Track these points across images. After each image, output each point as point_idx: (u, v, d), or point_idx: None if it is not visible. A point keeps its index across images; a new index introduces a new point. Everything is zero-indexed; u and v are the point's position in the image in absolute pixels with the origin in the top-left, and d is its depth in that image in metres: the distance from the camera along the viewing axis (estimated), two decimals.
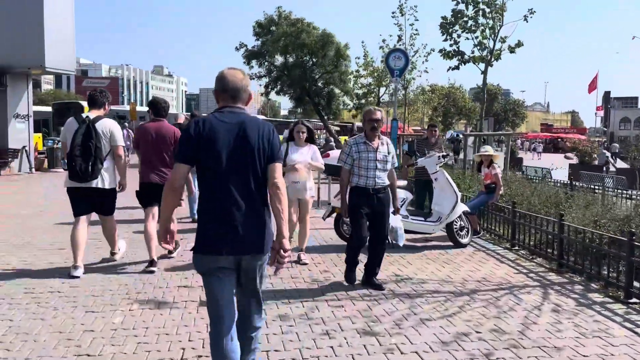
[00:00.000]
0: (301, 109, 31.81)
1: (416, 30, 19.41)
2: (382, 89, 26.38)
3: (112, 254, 6.09)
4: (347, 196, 5.30)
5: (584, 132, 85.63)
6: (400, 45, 19.72)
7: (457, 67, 12.91)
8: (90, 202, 5.61)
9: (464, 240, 7.29)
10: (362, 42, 23.15)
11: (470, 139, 30.52)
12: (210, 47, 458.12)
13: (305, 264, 6.11)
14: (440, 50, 12.96)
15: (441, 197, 7.27)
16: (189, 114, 11.60)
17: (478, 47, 12.68)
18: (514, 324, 4.33)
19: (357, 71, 25.12)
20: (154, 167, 5.79)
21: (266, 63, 24.82)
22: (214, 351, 2.80)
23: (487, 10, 12.16)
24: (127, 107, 33.42)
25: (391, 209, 5.47)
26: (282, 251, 2.73)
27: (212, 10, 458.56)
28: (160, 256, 6.15)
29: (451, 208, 7.12)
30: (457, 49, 12.78)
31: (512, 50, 12.44)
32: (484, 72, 12.69)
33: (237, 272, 2.82)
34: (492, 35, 12.40)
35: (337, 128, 38.21)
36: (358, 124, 47.61)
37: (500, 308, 4.72)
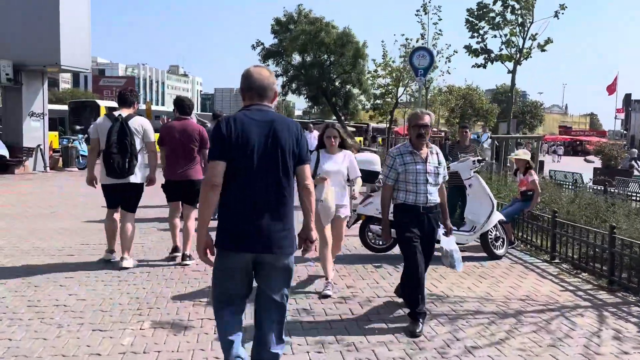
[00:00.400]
0: (317, 109, 31.31)
1: (440, 30, 18.94)
2: (401, 89, 25.89)
3: (122, 259, 5.78)
4: (392, 215, 4.45)
5: (603, 135, 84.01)
6: (423, 44, 19.26)
7: (483, 66, 12.32)
8: (122, 196, 5.80)
9: (500, 252, 6.76)
10: (382, 41, 22.62)
11: (488, 142, 29.65)
12: (225, 47, 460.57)
13: (328, 296, 4.94)
14: (466, 47, 12.38)
15: (475, 205, 6.75)
16: (211, 114, 11.31)
17: (506, 45, 12.09)
18: (573, 354, 3.81)
19: (375, 71, 24.67)
20: (179, 165, 5.95)
21: (283, 62, 24.43)
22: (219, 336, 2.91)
23: (517, 6, 11.57)
24: (142, 107, 33.24)
25: (442, 230, 4.66)
26: (308, 241, 2.90)
27: (227, 11, 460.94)
28: (176, 264, 5.98)
29: (487, 217, 6.60)
30: (484, 47, 12.20)
31: (542, 48, 11.85)
32: (513, 72, 12.10)
33: (259, 273, 2.84)
34: (522, 33, 11.81)
35: (352, 129, 37.67)
36: (373, 124, 46.94)
37: (553, 334, 4.20)
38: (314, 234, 2.90)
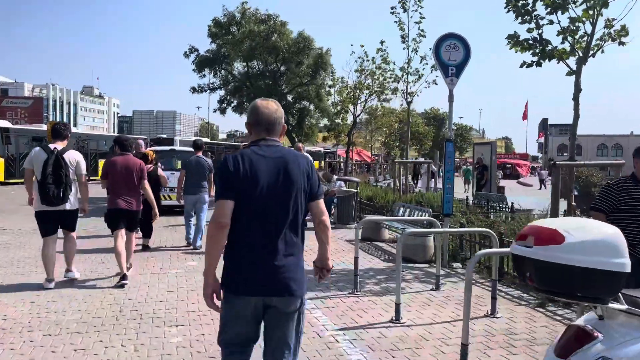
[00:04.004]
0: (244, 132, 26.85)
1: (422, 30, 15.39)
2: (359, 107, 22.29)
3: (67, 270, 6.51)
4: None
5: (525, 158, 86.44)
6: (403, 47, 15.62)
7: (538, 63, 8.69)
8: (57, 222, 6.26)
9: None
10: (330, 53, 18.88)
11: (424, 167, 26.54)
12: (146, 67, 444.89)
13: None
14: (510, 37, 8.71)
15: None
16: (192, 142, 10.10)
17: (565, 35, 8.53)
18: None
19: (330, 86, 20.98)
20: (121, 195, 6.64)
21: (222, 71, 19.91)
22: None
23: None
24: (44, 127, 27.24)
25: None
26: (324, 270, 2.80)
27: (149, 25, 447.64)
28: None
29: None
30: (538, 36, 8.58)
31: (620, 40, 8.40)
32: (576, 74, 8.53)
33: (268, 319, 2.67)
34: (591, 17, 8.30)
35: None
36: (307, 147, 42.90)
37: None
38: (330, 263, 2.82)
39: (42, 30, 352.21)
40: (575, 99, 8.66)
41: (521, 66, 8.82)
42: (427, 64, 15.48)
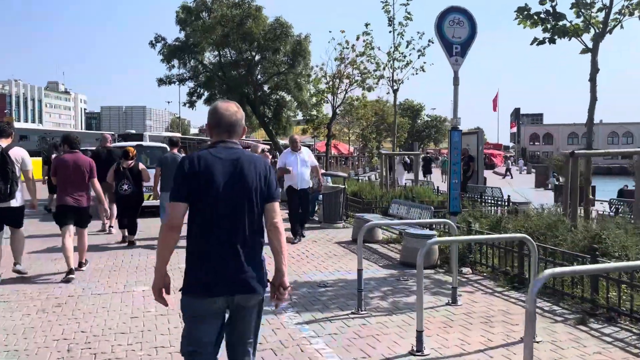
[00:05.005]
0: None
1: (409, 13, 14.42)
2: (340, 97, 21.20)
3: (15, 264, 6.47)
4: None
5: (499, 148, 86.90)
6: (390, 31, 14.59)
7: (551, 40, 7.76)
8: (5, 218, 6.34)
9: None
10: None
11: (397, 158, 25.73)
12: (114, 60, 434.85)
13: None
14: (521, 11, 7.75)
15: None
16: (168, 139, 10.68)
17: (580, 8, 7.63)
18: None
19: (308, 75, 19.81)
20: (70, 192, 6.67)
21: (192, 61, 18.56)
22: None
23: None
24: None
25: None
26: (281, 288, 2.70)
27: (115, 19, 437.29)
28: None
29: None
30: (552, 8, 7.64)
31: None
32: (592, 51, 7.65)
33: (230, 315, 2.69)
34: None
35: (267, 146, 32.13)
36: (284, 141, 41.59)
37: None
38: (287, 280, 2.71)
39: (2, 24, 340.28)
40: (592, 79, 7.76)
41: (532, 43, 7.89)
42: (414, 48, 14.60)
